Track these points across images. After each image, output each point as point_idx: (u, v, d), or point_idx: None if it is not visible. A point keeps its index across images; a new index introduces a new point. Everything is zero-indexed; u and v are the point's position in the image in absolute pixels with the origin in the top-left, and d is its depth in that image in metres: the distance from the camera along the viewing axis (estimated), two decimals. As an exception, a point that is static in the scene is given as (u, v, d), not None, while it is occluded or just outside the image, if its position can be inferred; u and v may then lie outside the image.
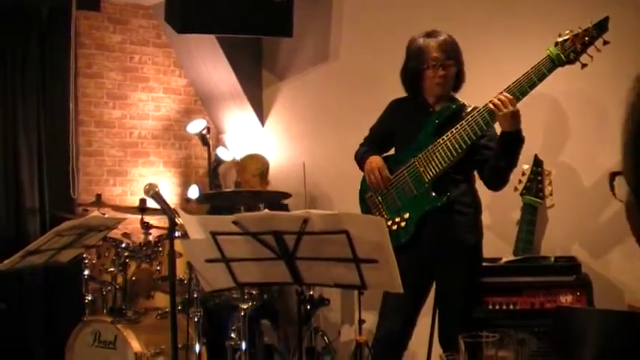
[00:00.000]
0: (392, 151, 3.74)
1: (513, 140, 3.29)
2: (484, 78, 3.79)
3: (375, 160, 3.60)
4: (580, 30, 3.20)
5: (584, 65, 3.22)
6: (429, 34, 3.49)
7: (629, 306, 3.80)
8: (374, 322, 3.68)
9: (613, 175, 1.23)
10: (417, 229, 3.45)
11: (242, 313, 4.04)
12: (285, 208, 5.02)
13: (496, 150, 3.36)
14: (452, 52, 3.47)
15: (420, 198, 3.46)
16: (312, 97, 5.76)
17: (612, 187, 1.17)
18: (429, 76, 3.48)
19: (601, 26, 3.19)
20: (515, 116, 3.24)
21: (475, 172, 3.56)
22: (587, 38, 3.19)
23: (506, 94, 3.23)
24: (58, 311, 5.27)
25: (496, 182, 3.48)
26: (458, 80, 3.54)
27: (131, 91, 6.10)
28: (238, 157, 5.76)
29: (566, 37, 3.22)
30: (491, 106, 3.24)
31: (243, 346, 4.06)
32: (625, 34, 3.72)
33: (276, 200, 4.79)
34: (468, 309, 3.50)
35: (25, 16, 5.39)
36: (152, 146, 6.22)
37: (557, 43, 3.23)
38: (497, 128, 3.39)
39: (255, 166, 5.37)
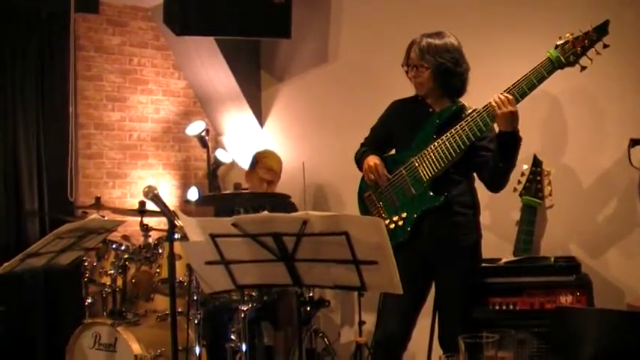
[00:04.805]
0: (392, 152, 3.75)
1: (511, 140, 3.29)
2: (484, 79, 3.79)
3: (372, 159, 3.61)
4: (580, 33, 3.20)
5: (583, 68, 3.22)
6: (431, 35, 3.49)
7: (629, 305, 3.80)
8: (374, 323, 3.69)
9: (633, 142, 1.23)
10: (415, 228, 3.45)
11: (242, 315, 4.04)
12: (293, 207, 5.00)
13: (495, 151, 3.36)
14: (430, 56, 3.44)
15: (418, 198, 3.46)
16: (311, 98, 5.76)
17: (629, 154, 1.16)
18: (409, 75, 3.53)
19: (601, 29, 3.19)
20: (514, 116, 3.23)
21: (474, 173, 3.57)
22: (587, 41, 3.19)
23: (506, 94, 3.23)
24: (58, 314, 5.27)
25: (496, 183, 3.48)
26: (449, 86, 3.50)
27: (130, 93, 6.10)
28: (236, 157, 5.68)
29: (567, 40, 3.22)
30: (493, 104, 3.25)
31: (244, 347, 4.06)
32: (625, 35, 3.73)
33: (279, 202, 4.78)
34: (468, 309, 3.50)
35: (25, 19, 5.39)
36: (151, 148, 6.22)
37: (557, 46, 3.23)
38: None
39: (276, 162, 5.32)
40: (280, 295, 4.72)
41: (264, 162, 5.27)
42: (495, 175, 3.44)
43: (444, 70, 3.45)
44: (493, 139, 3.42)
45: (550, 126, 4.27)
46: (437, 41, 3.46)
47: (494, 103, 3.24)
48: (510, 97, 3.23)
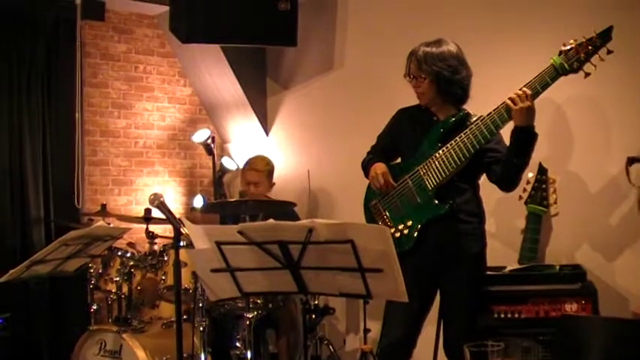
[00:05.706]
0: (399, 160, 3.75)
1: (526, 136, 3.28)
2: (490, 85, 3.79)
3: (379, 167, 3.62)
4: (584, 39, 3.20)
5: (587, 74, 3.21)
6: (429, 43, 3.49)
7: (634, 314, 3.80)
8: (379, 330, 3.69)
9: (630, 160, 1.23)
10: (420, 236, 3.45)
11: (247, 322, 4.04)
12: (294, 215, 4.99)
13: (509, 147, 3.35)
14: (427, 66, 3.44)
15: (423, 206, 3.46)
16: (317, 106, 5.77)
17: (628, 172, 1.16)
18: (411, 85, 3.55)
19: (605, 36, 3.19)
20: (530, 111, 3.23)
21: (479, 181, 3.57)
22: (590, 47, 3.19)
23: (525, 89, 3.23)
24: (63, 321, 5.28)
25: (508, 181, 3.46)
26: (450, 94, 3.49)
27: (136, 100, 6.12)
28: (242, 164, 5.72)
29: (570, 47, 3.22)
30: (508, 101, 3.24)
31: (249, 355, 4.06)
32: (630, 42, 3.73)
33: (282, 210, 4.77)
34: (473, 317, 3.50)
35: (31, 26, 5.42)
36: (157, 156, 6.23)
37: (561, 52, 3.23)
38: (505, 132, 3.40)
39: (262, 162, 5.29)
40: (285, 302, 4.72)
41: (250, 164, 5.27)
42: (508, 172, 3.41)
43: (442, 79, 3.45)
44: (499, 141, 3.43)
45: (555, 133, 4.26)
46: (434, 50, 3.46)
47: (509, 101, 3.24)
48: (529, 91, 3.22)
